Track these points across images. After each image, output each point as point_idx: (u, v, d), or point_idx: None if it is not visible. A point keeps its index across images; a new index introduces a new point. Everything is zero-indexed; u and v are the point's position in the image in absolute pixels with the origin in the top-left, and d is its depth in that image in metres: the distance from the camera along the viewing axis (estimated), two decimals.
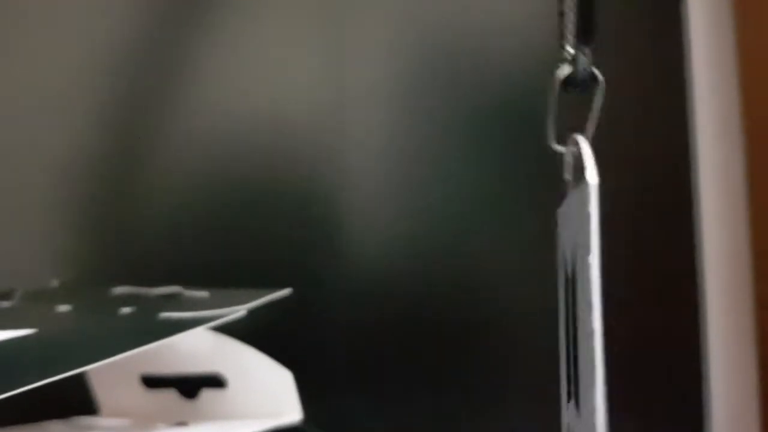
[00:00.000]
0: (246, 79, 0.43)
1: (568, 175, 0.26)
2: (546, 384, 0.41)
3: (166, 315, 0.33)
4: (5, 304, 0.37)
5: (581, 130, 0.25)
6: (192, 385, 0.37)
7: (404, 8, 0.42)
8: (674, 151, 0.41)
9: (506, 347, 0.41)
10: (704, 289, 0.40)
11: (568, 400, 0.26)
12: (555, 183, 0.42)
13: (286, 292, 0.35)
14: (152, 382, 0.37)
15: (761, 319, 0.42)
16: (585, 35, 0.25)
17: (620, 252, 0.41)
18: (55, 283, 0.39)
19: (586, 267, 0.24)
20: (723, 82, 0.42)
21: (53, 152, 0.45)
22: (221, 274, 0.42)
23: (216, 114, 0.43)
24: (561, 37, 0.25)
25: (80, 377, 0.38)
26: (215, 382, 0.36)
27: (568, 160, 0.26)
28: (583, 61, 0.24)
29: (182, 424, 0.36)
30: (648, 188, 0.41)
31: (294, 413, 0.35)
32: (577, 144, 0.25)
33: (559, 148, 0.25)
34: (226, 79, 0.43)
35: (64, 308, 0.35)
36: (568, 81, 0.25)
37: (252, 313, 0.34)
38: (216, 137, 0.43)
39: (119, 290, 0.37)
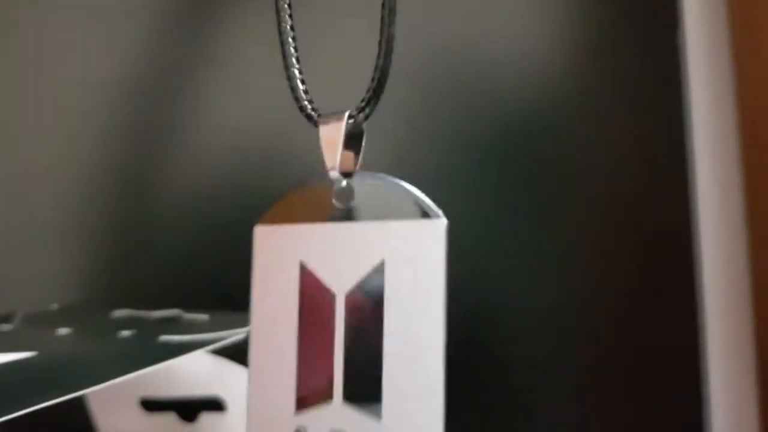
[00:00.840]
0: (249, 103, 0.43)
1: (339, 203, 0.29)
2: (543, 386, 0.41)
3: (165, 338, 0.33)
4: (6, 327, 0.37)
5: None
6: (191, 409, 0.37)
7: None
8: (671, 153, 0.41)
9: (506, 348, 0.41)
10: (702, 291, 0.40)
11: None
12: (548, 186, 0.42)
13: None
14: (151, 405, 0.37)
15: (760, 320, 0.42)
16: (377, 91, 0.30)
17: (618, 254, 0.41)
18: (55, 306, 0.39)
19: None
20: (719, 86, 0.42)
21: (54, 175, 0.45)
22: (219, 296, 0.41)
23: (215, 135, 0.43)
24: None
25: (79, 401, 0.38)
26: (215, 405, 0.36)
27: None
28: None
29: None
30: (645, 192, 0.41)
31: None
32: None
33: (335, 174, 0.29)
34: (229, 105, 0.43)
35: (63, 331, 0.35)
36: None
37: None
38: (217, 158, 0.43)
39: (119, 313, 0.37)
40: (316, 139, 0.29)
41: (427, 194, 0.42)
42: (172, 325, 0.35)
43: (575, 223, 0.41)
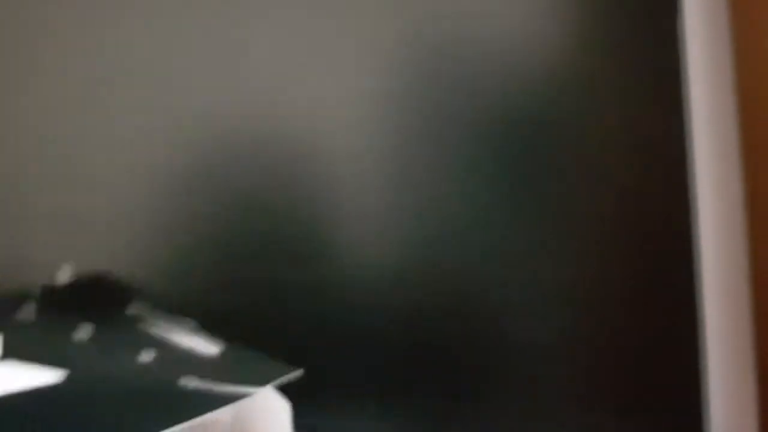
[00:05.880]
0: (243, 83, 0.42)
1: None
2: (544, 383, 0.42)
3: (186, 383, 0.34)
4: (23, 313, 0.37)
5: None
6: None
7: (396, 8, 0.41)
8: (671, 151, 0.42)
9: (504, 347, 0.42)
10: (702, 290, 0.42)
11: None
12: (544, 183, 0.42)
13: (298, 373, 0.36)
14: None
15: (759, 321, 0.43)
16: None
17: (618, 254, 0.42)
18: (65, 276, 0.39)
19: None
20: (719, 83, 0.42)
21: (58, 143, 0.44)
22: (220, 283, 0.42)
23: (211, 116, 0.42)
24: None
25: None
26: None
27: None
28: None
29: None
30: (645, 189, 0.42)
31: None
32: None
33: None
34: (222, 84, 0.42)
35: (82, 335, 0.36)
36: None
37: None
38: (213, 141, 0.42)
39: (133, 311, 0.37)
40: None
41: (427, 184, 0.42)
42: (190, 363, 0.35)
43: (574, 217, 0.42)
